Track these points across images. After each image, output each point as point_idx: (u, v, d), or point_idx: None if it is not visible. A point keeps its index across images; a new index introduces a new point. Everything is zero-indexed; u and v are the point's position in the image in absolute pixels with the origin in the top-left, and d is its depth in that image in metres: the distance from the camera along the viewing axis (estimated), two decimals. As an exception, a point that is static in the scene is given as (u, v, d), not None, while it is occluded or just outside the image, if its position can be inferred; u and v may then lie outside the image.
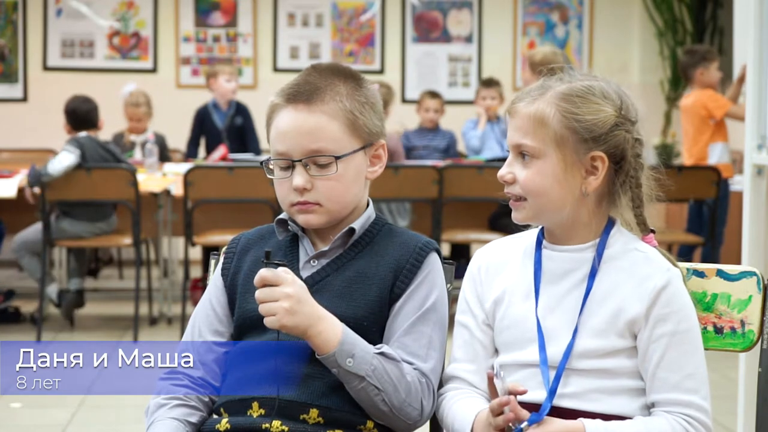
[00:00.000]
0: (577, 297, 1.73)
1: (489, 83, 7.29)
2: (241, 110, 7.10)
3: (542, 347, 1.72)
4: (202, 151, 7.18)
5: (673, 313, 1.70)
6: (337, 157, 1.82)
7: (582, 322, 1.71)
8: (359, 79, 1.88)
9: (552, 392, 1.69)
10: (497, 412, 1.64)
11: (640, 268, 1.73)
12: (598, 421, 1.66)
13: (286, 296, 1.69)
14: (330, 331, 1.72)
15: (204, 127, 7.07)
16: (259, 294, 1.71)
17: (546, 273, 1.77)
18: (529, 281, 1.78)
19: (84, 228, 5.85)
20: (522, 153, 1.74)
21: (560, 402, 1.70)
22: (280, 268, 1.72)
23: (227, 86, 6.97)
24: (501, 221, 6.11)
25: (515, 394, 1.63)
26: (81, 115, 5.95)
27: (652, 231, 1.80)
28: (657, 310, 1.69)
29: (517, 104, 1.76)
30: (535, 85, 1.78)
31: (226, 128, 7.02)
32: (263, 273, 1.71)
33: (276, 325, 1.70)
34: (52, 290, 5.88)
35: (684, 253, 6.18)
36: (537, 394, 1.71)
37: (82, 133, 5.84)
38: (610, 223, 1.77)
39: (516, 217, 1.77)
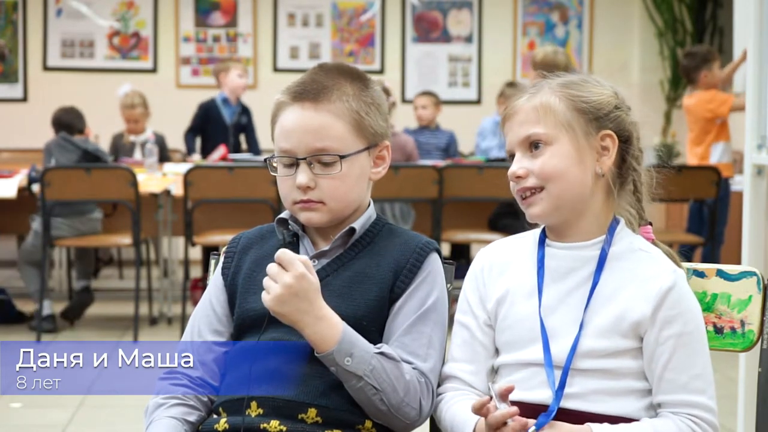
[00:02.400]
0: (582, 295, 1.73)
1: (513, 85, 7.05)
2: (245, 110, 7.12)
3: (546, 349, 1.72)
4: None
5: (680, 315, 1.70)
6: (342, 157, 1.82)
7: (586, 320, 1.71)
8: (365, 80, 1.88)
9: (559, 393, 1.69)
10: (499, 423, 1.63)
11: (645, 268, 1.73)
12: (606, 425, 1.66)
13: (284, 284, 1.70)
14: (328, 330, 1.72)
15: (209, 121, 7.00)
16: (268, 267, 1.73)
17: (549, 271, 1.77)
18: (532, 280, 1.77)
19: (63, 227, 5.86)
20: (532, 144, 1.73)
21: (564, 403, 1.69)
22: (300, 257, 1.73)
23: (239, 81, 6.99)
24: (501, 222, 6.11)
25: (506, 393, 1.63)
26: (58, 120, 6.08)
27: (650, 223, 1.81)
28: (664, 312, 1.69)
29: (515, 103, 1.77)
30: (528, 86, 1.81)
31: (233, 124, 7.01)
32: (282, 252, 1.72)
33: (265, 303, 1.72)
34: (45, 305, 5.86)
35: (684, 253, 6.16)
36: (540, 393, 1.71)
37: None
38: (615, 222, 1.78)
39: (533, 212, 1.75)
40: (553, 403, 1.68)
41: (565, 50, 6.24)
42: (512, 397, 1.70)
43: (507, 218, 6.04)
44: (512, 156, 1.78)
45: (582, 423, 1.67)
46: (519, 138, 1.75)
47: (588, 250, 1.75)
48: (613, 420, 1.68)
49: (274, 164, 1.86)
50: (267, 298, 1.72)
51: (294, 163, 1.83)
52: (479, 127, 7.17)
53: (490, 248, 1.87)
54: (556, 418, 1.68)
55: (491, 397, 1.64)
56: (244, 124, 7.06)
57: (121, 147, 7.04)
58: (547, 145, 1.73)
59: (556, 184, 1.72)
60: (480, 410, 1.64)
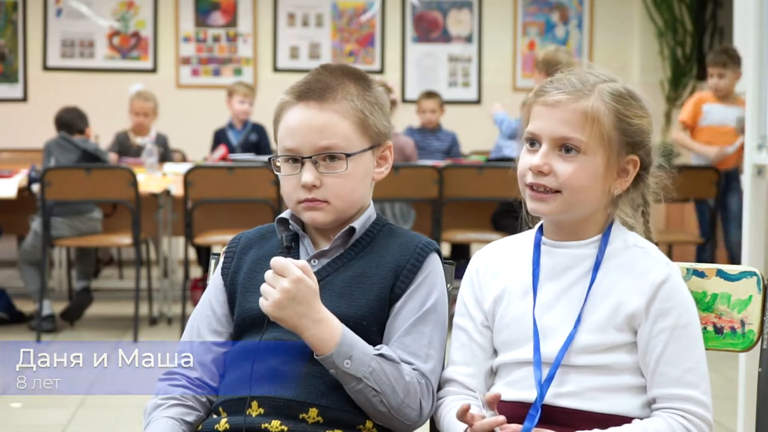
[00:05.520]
0: (579, 292, 1.73)
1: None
2: (256, 129, 7.16)
3: (537, 348, 1.72)
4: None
5: (674, 308, 1.70)
6: (348, 155, 1.82)
7: (583, 316, 1.71)
8: (368, 80, 1.89)
9: (545, 388, 1.69)
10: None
11: (639, 263, 1.74)
12: (596, 431, 1.66)
13: (282, 289, 1.70)
14: (327, 332, 1.72)
15: (221, 144, 7.10)
16: (266, 275, 1.73)
17: (545, 270, 1.77)
18: (528, 279, 1.78)
19: (63, 226, 5.86)
20: (565, 146, 1.71)
21: (559, 401, 1.69)
22: (298, 262, 1.73)
23: (239, 107, 7.13)
24: (504, 222, 6.10)
25: (494, 401, 1.63)
26: (59, 120, 6.08)
27: (656, 243, 1.81)
28: (657, 304, 1.70)
29: (558, 96, 1.72)
30: (574, 76, 1.75)
31: (240, 144, 7.07)
32: (275, 260, 1.72)
33: (264, 309, 1.72)
34: (45, 305, 5.86)
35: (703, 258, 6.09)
36: (535, 393, 1.71)
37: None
38: (611, 221, 1.78)
39: (542, 209, 1.73)
40: (537, 399, 1.68)
41: (567, 48, 6.16)
42: (509, 396, 1.71)
43: (509, 218, 6.03)
44: (531, 140, 1.75)
45: (577, 422, 1.67)
46: (555, 134, 1.72)
47: (585, 248, 1.76)
48: (609, 419, 1.68)
49: (278, 164, 1.86)
50: (265, 304, 1.72)
51: (298, 162, 1.83)
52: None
53: (486, 250, 1.87)
54: (552, 417, 1.68)
55: (470, 405, 1.63)
56: (255, 142, 7.11)
57: (126, 148, 7.03)
58: (581, 153, 1.71)
59: (574, 195, 1.72)
60: (463, 417, 1.64)
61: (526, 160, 1.74)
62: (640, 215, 1.81)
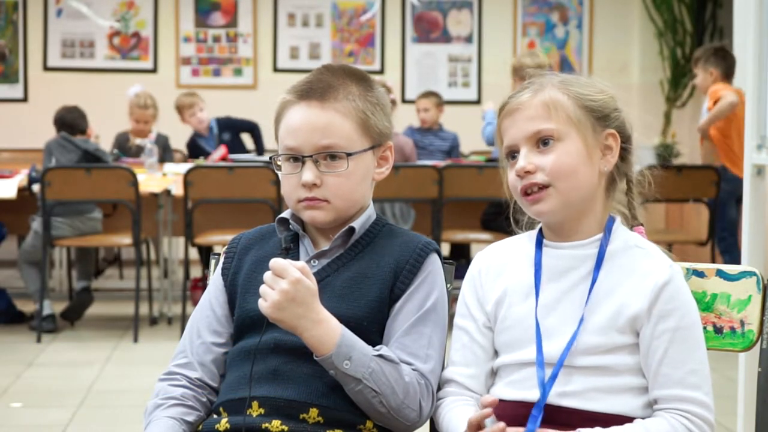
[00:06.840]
0: (580, 293, 1.73)
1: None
2: (223, 126, 7.17)
3: (539, 349, 1.72)
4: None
5: (676, 309, 1.70)
6: (349, 155, 1.82)
7: (585, 317, 1.71)
8: (370, 81, 1.89)
9: (548, 388, 1.69)
10: None
11: (641, 264, 1.73)
12: (597, 429, 1.66)
13: (280, 290, 1.70)
14: (326, 333, 1.72)
15: (201, 154, 7.13)
16: (264, 276, 1.72)
17: (547, 271, 1.77)
18: (530, 280, 1.78)
19: (63, 226, 5.86)
20: (540, 140, 1.73)
21: (561, 401, 1.69)
22: (297, 263, 1.72)
23: (191, 121, 7.19)
24: (495, 223, 6.10)
25: (492, 406, 1.63)
26: (61, 120, 6.08)
27: (641, 224, 1.82)
28: (659, 306, 1.69)
29: (519, 99, 1.76)
30: (526, 83, 1.80)
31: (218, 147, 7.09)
32: (273, 261, 1.72)
33: (263, 310, 1.72)
34: (45, 305, 5.87)
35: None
36: (537, 393, 1.71)
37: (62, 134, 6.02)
38: (611, 220, 1.78)
39: (541, 209, 1.74)
40: (540, 400, 1.68)
41: (538, 52, 6.12)
42: (510, 396, 1.71)
43: (501, 220, 6.02)
44: (511, 153, 1.77)
45: (579, 422, 1.67)
46: (527, 133, 1.74)
47: (586, 248, 1.76)
48: (610, 419, 1.68)
49: (279, 163, 1.87)
50: (264, 306, 1.71)
51: (299, 161, 1.83)
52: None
53: (487, 251, 1.87)
54: (555, 417, 1.68)
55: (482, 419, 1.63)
56: (230, 139, 7.12)
57: (127, 149, 7.04)
58: (557, 141, 1.73)
59: (566, 182, 1.72)
60: (476, 427, 1.64)
61: (512, 173, 1.76)
62: (625, 196, 1.82)
